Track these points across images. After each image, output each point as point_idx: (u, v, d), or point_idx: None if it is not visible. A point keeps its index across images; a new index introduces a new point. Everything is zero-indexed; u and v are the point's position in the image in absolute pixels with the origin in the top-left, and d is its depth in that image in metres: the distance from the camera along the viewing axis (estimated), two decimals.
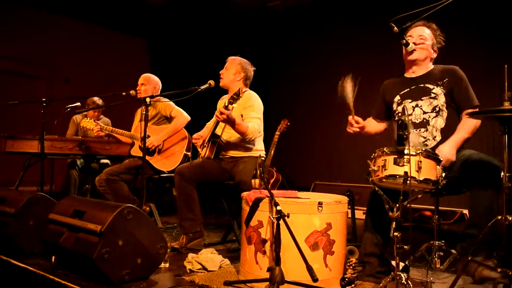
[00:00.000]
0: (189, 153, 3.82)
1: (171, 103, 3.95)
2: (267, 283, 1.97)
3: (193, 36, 7.35)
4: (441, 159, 2.02)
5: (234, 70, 3.34)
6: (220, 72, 3.40)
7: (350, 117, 2.41)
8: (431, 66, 2.57)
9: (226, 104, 2.97)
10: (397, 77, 2.70)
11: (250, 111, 3.22)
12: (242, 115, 3.22)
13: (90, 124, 4.09)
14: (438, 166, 1.98)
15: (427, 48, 2.51)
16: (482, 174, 2.16)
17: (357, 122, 2.42)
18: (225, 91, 3.45)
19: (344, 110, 2.38)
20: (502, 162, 1.91)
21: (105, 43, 7.55)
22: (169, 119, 3.97)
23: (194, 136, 3.44)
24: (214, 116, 3.30)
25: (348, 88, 2.29)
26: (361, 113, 2.46)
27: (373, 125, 2.76)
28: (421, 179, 1.90)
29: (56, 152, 4.33)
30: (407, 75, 2.62)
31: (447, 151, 2.24)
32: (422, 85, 2.50)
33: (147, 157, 3.78)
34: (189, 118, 3.89)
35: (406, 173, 1.88)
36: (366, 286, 2.25)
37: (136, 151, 3.89)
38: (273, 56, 6.80)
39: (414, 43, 2.49)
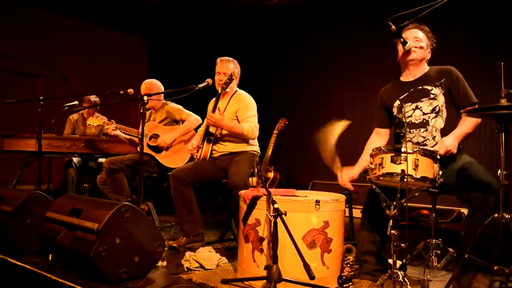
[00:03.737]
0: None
1: (180, 107, 3.95)
2: (264, 281, 1.98)
3: (192, 35, 7.34)
4: (439, 156, 2.02)
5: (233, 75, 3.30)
6: (218, 79, 3.30)
7: (338, 174, 2.49)
8: (426, 67, 2.57)
9: (220, 92, 3.10)
10: (393, 82, 2.68)
11: (245, 110, 3.21)
12: (237, 116, 3.22)
13: (97, 121, 4.04)
14: (435, 164, 1.98)
15: (423, 49, 2.52)
16: (478, 191, 2.16)
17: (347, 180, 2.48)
18: (214, 94, 3.39)
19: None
20: (498, 161, 1.91)
21: (103, 42, 7.53)
22: (178, 122, 3.97)
23: (189, 148, 3.36)
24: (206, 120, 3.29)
25: (332, 134, 2.39)
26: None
27: (377, 143, 2.65)
28: (418, 177, 1.91)
29: (54, 150, 4.33)
30: (403, 78, 2.61)
31: (450, 142, 2.26)
32: (420, 87, 2.50)
33: (155, 155, 3.78)
34: (200, 120, 3.82)
35: (403, 171, 1.88)
36: (363, 284, 2.25)
37: (144, 148, 3.87)
38: (272, 55, 6.79)
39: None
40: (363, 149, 2.65)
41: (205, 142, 3.28)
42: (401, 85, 2.60)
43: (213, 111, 3.14)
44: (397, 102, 2.57)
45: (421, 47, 2.49)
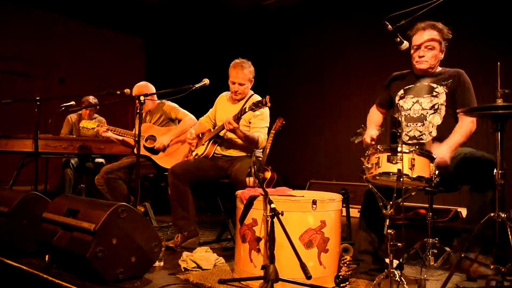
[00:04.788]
0: (193, 148, 3.80)
1: (176, 106, 3.93)
2: (261, 281, 1.97)
3: (189, 35, 7.33)
4: (435, 156, 2.02)
5: (249, 82, 3.24)
6: (234, 89, 3.21)
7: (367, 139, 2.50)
8: (438, 68, 2.61)
9: (247, 111, 2.84)
10: (405, 72, 2.73)
11: (260, 119, 3.15)
12: (250, 122, 3.17)
13: (91, 124, 4.04)
14: (431, 164, 1.99)
15: (435, 55, 2.53)
16: (480, 170, 2.18)
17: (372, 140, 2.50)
18: (226, 88, 3.36)
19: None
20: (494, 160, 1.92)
21: (100, 42, 7.51)
22: (174, 121, 3.95)
23: (188, 136, 3.39)
24: (221, 122, 3.22)
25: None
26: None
27: (376, 118, 2.82)
28: (414, 176, 1.92)
29: (51, 151, 4.31)
30: (415, 71, 2.65)
31: (444, 152, 2.25)
32: (426, 83, 2.56)
33: (152, 156, 3.77)
34: (196, 120, 3.78)
35: (399, 170, 1.88)
36: (360, 284, 2.26)
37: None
38: (269, 55, 6.80)
39: (422, 56, 2.51)
40: (359, 153, 2.67)
41: (211, 142, 3.27)
42: (411, 76, 2.66)
43: (235, 119, 2.90)
44: (401, 92, 2.63)
45: (433, 54, 2.50)
